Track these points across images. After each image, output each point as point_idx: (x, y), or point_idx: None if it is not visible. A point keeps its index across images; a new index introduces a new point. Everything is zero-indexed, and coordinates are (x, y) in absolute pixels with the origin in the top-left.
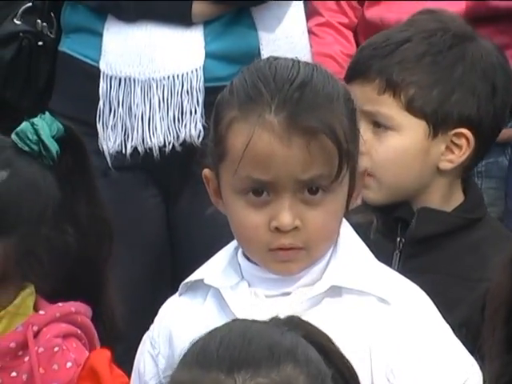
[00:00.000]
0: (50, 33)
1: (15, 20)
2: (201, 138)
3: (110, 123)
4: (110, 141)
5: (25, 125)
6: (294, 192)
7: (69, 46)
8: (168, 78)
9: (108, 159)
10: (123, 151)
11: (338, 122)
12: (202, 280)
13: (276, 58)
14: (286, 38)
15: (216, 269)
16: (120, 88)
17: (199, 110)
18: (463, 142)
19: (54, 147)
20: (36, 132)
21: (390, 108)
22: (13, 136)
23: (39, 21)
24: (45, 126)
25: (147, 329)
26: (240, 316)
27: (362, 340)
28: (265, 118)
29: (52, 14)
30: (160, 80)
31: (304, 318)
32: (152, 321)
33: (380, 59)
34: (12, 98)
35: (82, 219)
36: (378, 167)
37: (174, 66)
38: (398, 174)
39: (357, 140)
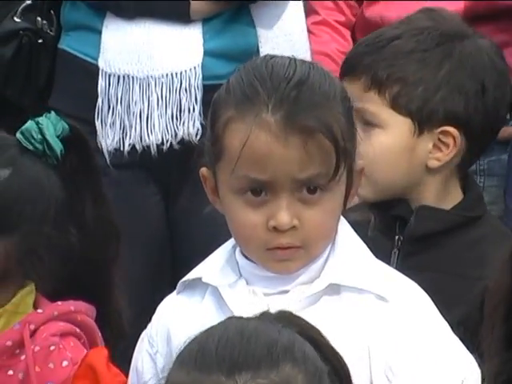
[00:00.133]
0: (50, 30)
1: (15, 18)
2: (199, 136)
3: (109, 121)
4: (108, 138)
5: (30, 123)
6: (292, 191)
7: (68, 43)
8: (166, 75)
9: (106, 157)
10: (121, 149)
11: (335, 121)
12: (199, 278)
13: (272, 56)
14: (285, 35)
15: (214, 267)
16: (119, 85)
17: (197, 108)
18: (450, 140)
19: (58, 147)
20: (40, 131)
21: (375, 105)
22: (18, 134)
23: (39, 18)
24: (50, 126)
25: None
26: (238, 314)
27: (360, 338)
28: (262, 117)
29: (52, 12)
30: (158, 78)
31: (302, 316)
32: (150, 319)
33: (369, 56)
34: (12, 96)
35: (87, 219)
36: (366, 164)
37: (173, 63)
38: (384, 171)
39: (354, 138)
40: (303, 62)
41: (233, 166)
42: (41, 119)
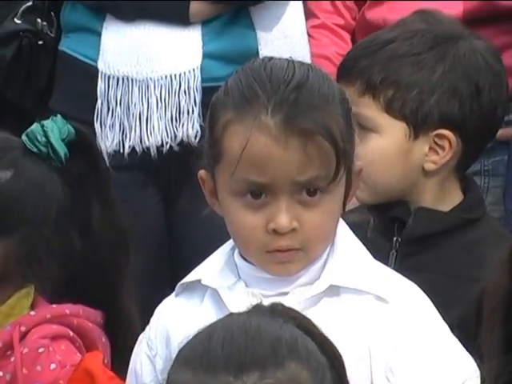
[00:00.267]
0: (50, 32)
1: (15, 19)
2: (198, 138)
3: (108, 122)
4: (107, 140)
5: (35, 126)
6: (292, 194)
7: (68, 45)
8: (166, 77)
9: (106, 159)
10: (121, 151)
11: (334, 123)
12: (198, 280)
13: (270, 58)
14: (284, 38)
15: (213, 269)
16: (118, 87)
17: (196, 110)
18: (445, 143)
19: (62, 150)
20: (45, 134)
21: (370, 110)
22: (23, 136)
23: (39, 20)
24: (55, 129)
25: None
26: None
27: (361, 339)
28: (261, 120)
29: (52, 13)
30: (158, 80)
31: None
32: (149, 321)
33: (364, 59)
34: (13, 98)
35: (94, 224)
36: (363, 168)
37: (172, 65)
38: (381, 175)
39: (353, 139)
40: (302, 63)
41: (232, 168)
42: (46, 122)
